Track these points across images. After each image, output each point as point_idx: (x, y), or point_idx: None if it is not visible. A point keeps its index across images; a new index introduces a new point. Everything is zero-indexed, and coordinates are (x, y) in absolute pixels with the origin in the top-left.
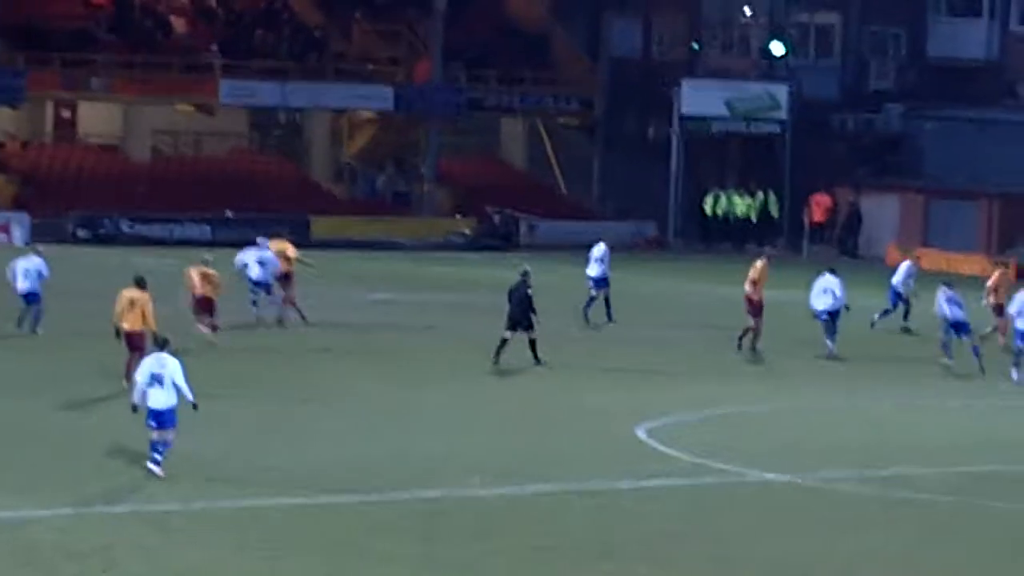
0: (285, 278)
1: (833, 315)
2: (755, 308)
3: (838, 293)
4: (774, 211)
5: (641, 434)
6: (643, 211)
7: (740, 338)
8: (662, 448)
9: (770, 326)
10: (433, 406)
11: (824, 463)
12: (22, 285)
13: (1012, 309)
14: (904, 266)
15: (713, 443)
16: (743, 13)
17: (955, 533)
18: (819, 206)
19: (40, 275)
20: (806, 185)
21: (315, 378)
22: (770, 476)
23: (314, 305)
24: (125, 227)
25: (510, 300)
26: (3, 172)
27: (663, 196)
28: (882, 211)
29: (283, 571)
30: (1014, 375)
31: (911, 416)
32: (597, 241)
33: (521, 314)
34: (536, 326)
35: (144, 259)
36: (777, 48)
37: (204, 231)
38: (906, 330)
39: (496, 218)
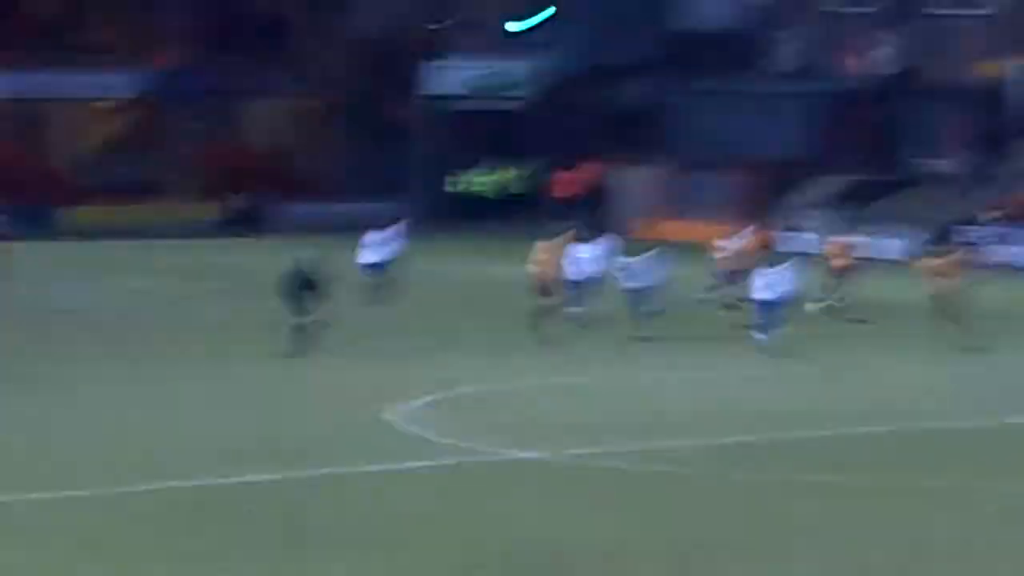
0: None
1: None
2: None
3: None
4: (520, 188)
5: (391, 416)
6: (388, 192)
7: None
8: (413, 430)
9: (518, 304)
10: (179, 393)
11: (577, 439)
12: None
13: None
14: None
15: (467, 423)
16: None
17: (709, 506)
18: (564, 182)
19: None
20: (552, 161)
21: (60, 369)
22: (525, 455)
23: (59, 295)
24: None
25: (289, 286)
26: None
27: (408, 176)
28: (630, 185)
29: (27, 568)
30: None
31: (663, 388)
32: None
33: (299, 298)
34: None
35: None
36: (519, 24)
37: None
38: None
39: (242, 202)
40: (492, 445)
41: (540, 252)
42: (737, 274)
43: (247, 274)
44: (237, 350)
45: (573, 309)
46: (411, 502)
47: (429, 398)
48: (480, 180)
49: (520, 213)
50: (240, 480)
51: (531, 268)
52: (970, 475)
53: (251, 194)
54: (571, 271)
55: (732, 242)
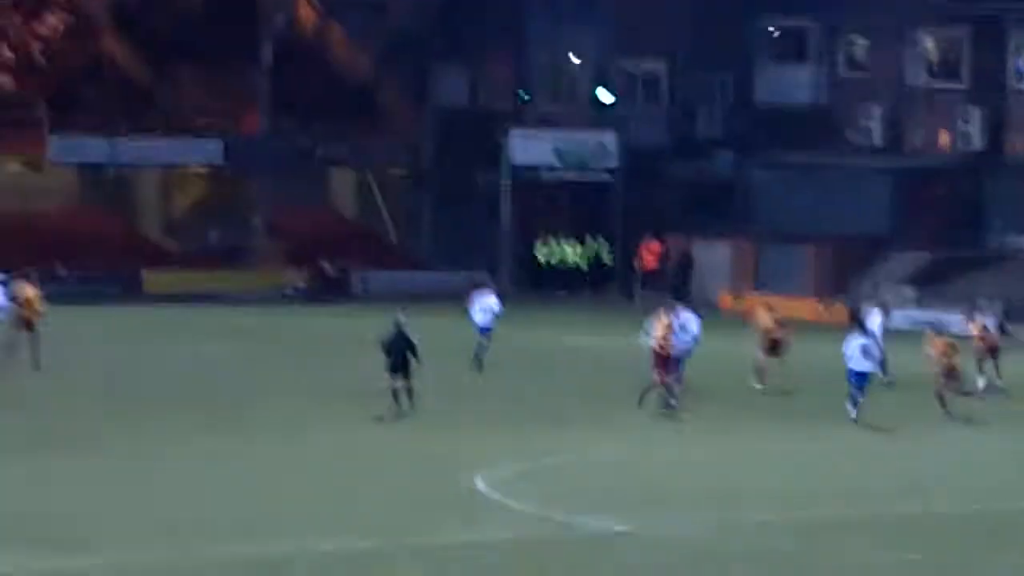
0: (27, 323)
1: None
2: (663, 362)
3: None
4: (606, 259)
5: (480, 485)
6: (475, 261)
7: (643, 395)
8: (502, 499)
9: (607, 375)
10: (270, 459)
11: (669, 511)
12: None
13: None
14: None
15: (556, 493)
16: (571, 61)
17: None
18: (650, 253)
19: None
20: (637, 232)
21: (147, 432)
22: (614, 526)
23: (144, 359)
24: None
25: (388, 350)
26: None
27: (495, 246)
28: (713, 257)
29: None
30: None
31: (757, 461)
32: (482, 287)
33: (403, 361)
34: (416, 374)
35: None
36: (605, 96)
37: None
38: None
39: (328, 269)
40: (579, 516)
41: (657, 327)
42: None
43: (332, 340)
44: (322, 416)
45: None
46: (501, 573)
47: (517, 468)
48: (569, 250)
49: (606, 284)
50: (327, 549)
51: (649, 342)
52: None
53: (337, 261)
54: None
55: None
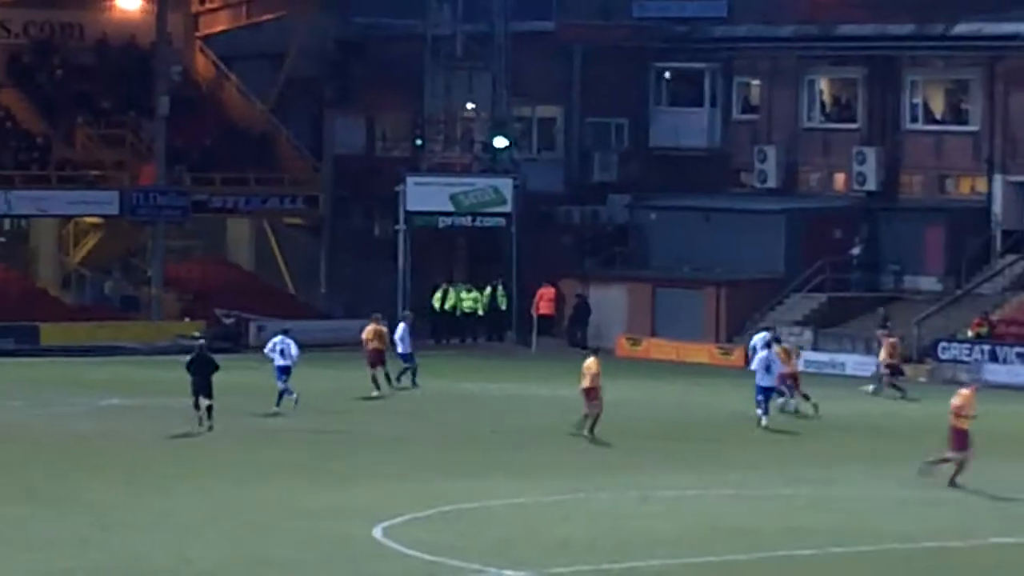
0: None
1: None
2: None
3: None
4: (502, 305)
5: (377, 535)
6: (372, 308)
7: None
8: (399, 548)
9: (508, 418)
10: (163, 513)
11: (562, 558)
12: None
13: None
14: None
15: (451, 541)
16: (465, 108)
17: None
18: (545, 299)
19: None
20: (534, 278)
21: (42, 486)
22: (508, 573)
23: (39, 412)
24: None
25: (192, 370)
26: None
27: (391, 293)
28: (610, 302)
29: None
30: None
31: (646, 507)
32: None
33: (206, 382)
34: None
35: None
36: (500, 142)
37: None
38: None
39: (225, 320)
40: (480, 563)
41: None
42: None
43: (225, 391)
44: (218, 467)
45: None
46: None
47: (417, 515)
48: (466, 296)
49: (503, 331)
50: None
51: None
52: None
53: (234, 312)
54: None
55: None
